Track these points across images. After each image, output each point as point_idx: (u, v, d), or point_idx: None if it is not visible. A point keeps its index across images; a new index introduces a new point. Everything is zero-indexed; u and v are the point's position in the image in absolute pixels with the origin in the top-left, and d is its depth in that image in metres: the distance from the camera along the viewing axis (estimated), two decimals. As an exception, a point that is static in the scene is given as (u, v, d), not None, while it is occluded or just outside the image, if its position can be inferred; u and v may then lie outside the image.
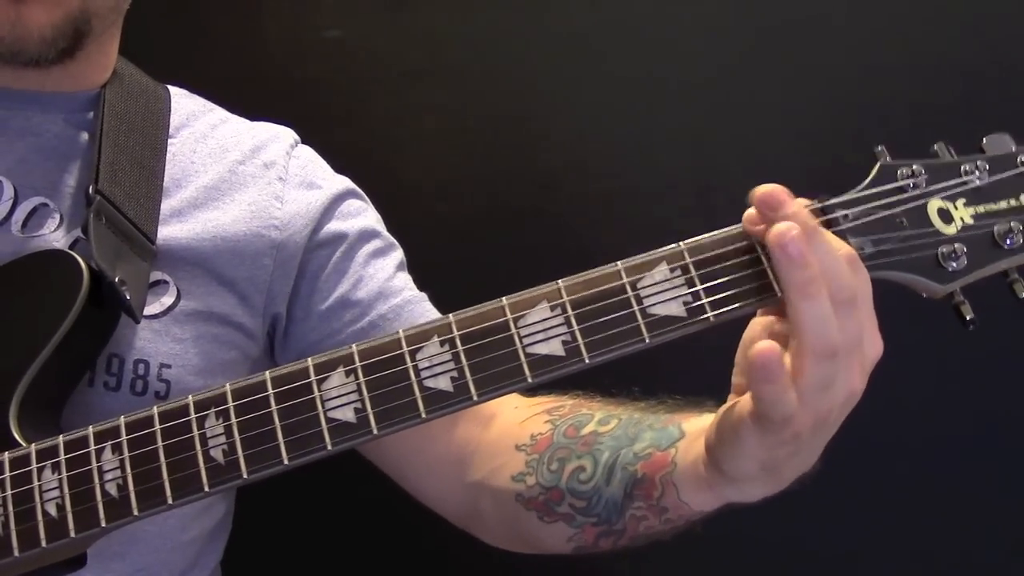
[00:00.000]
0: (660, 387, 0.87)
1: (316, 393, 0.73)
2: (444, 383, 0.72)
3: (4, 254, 0.89)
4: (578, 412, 0.89)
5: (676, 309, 0.72)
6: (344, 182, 1.06)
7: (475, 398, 0.72)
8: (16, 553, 0.75)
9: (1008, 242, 0.74)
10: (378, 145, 1.39)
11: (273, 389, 0.74)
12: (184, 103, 1.06)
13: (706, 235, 0.73)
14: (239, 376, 0.76)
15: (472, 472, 0.94)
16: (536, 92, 1.36)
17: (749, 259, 0.72)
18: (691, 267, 0.72)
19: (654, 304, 0.72)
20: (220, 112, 1.08)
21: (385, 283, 1.01)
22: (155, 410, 0.76)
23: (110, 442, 0.75)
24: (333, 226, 1.02)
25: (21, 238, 0.92)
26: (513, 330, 0.72)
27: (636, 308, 0.72)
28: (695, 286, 0.72)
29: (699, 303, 0.71)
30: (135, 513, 0.74)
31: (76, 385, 0.88)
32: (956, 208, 0.74)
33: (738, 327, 0.75)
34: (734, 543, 1.23)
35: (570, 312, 0.72)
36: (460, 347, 0.72)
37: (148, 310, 0.92)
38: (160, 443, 0.75)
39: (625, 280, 0.72)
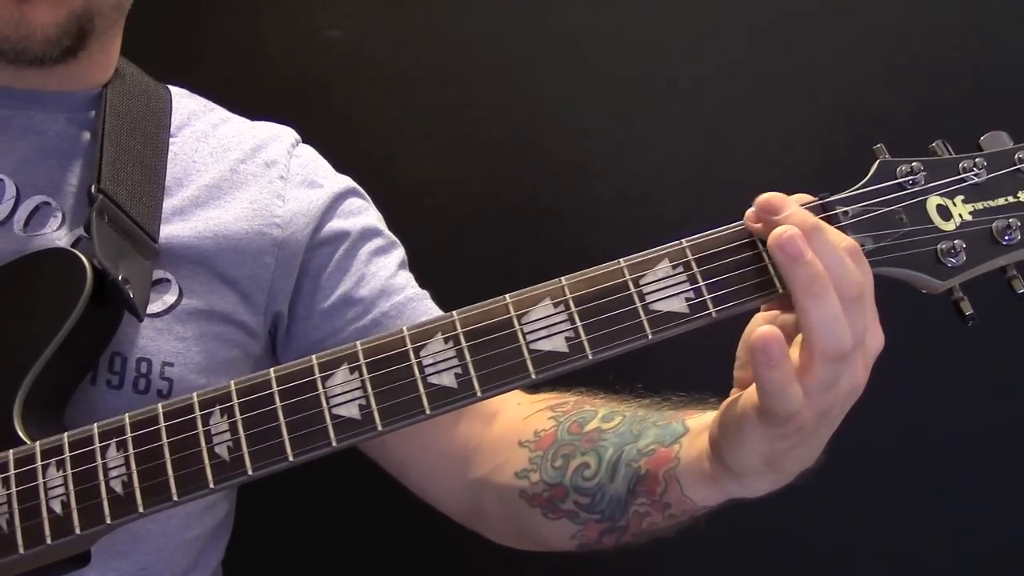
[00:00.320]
0: (664, 384, 0.88)
1: (320, 390, 0.74)
2: (448, 379, 0.73)
3: (7, 253, 0.89)
4: (581, 409, 0.89)
5: (678, 305, 0.72)
6: (345, 181, 1.06)
7: (479, 394, 0.72)
8: (21, 550, 0.75)
9: (1007, 238, 0.74)
10: (378, 145, 1.39)
11: (278, 387, 0.74)
12: (185, 103, 1.06)
13: (707, 232, 0.74)
14: (241, 375, 0.76)
15: (475, 469, 0.94)
16: (536, 91, 1.36)
17: (750, 255, 0.73)
18: (693, 264, 0.73)
19: (656, 300, 0.72)
20: (221, 112, 1.08)
21: (387, 281, 1.01)
22: (160, 408, 0.76)
23: (115, 440, 0.76)
24: (335, 224, 1.02)
25: (24, 237, 0.92)
26: (516, 327, 0.73)
27: (639, 304, 0.72)
28: (697, 282, 0.72)
29: (701, 299, 0.72)
30: (140, 510, 0.74)
31: (79, 383, 0.88)
32: (955, 205, 0.75)
33: (740, 324, 0.75)
34: (737, 539, 1.24)
35: (573, 309, 0.72)
36: (464, 344, 0.73)
37: (151, 308, 0.92)
38: (165, 440, 0.75)
39: (627, 277, 0.73)
